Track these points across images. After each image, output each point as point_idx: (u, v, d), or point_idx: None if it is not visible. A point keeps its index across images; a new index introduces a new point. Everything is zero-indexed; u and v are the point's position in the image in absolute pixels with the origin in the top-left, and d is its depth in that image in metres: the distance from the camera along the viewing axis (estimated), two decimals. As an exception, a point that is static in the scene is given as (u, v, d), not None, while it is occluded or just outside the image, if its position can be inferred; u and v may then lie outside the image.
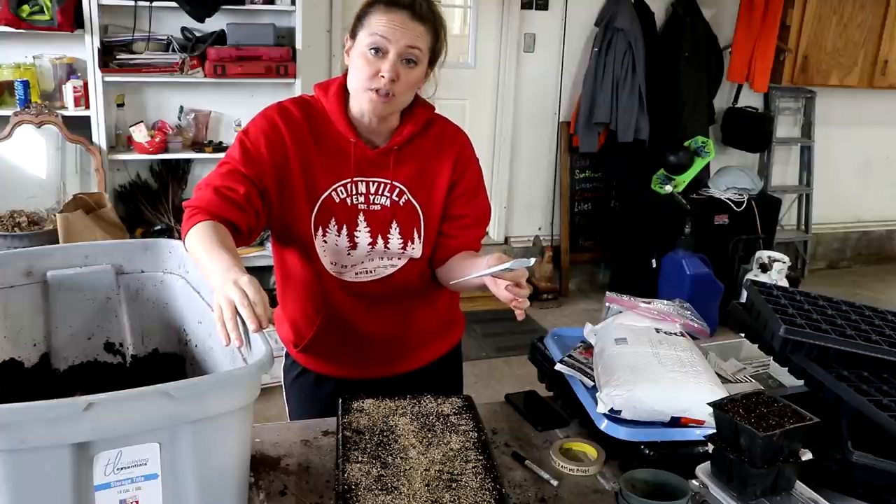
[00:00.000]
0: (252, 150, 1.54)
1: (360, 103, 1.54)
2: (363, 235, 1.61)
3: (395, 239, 1.63)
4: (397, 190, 1.62)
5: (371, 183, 1.61)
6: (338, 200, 1.59)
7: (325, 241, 1.61)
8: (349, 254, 1.63)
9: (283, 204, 1.58)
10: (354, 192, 1.60)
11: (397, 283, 1.67)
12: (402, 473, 1.34)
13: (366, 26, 1.51)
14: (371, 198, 1.61)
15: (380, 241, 1.62)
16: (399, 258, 1.66)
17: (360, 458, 1.37)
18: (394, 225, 1.63)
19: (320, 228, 1.60)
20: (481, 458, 1.40)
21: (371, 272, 1.65)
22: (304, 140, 1.57)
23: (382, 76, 1.49)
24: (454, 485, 1.32)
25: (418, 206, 1.64)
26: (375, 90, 1.50)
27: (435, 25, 1.54)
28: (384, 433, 1.46)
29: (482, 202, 1.72)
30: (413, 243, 1.64)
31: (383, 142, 1.61)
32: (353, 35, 1.54)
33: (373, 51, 1.49)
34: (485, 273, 1.45)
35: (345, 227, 1.60)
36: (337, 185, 1.59)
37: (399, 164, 1.61)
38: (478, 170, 1.72)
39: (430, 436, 1.46)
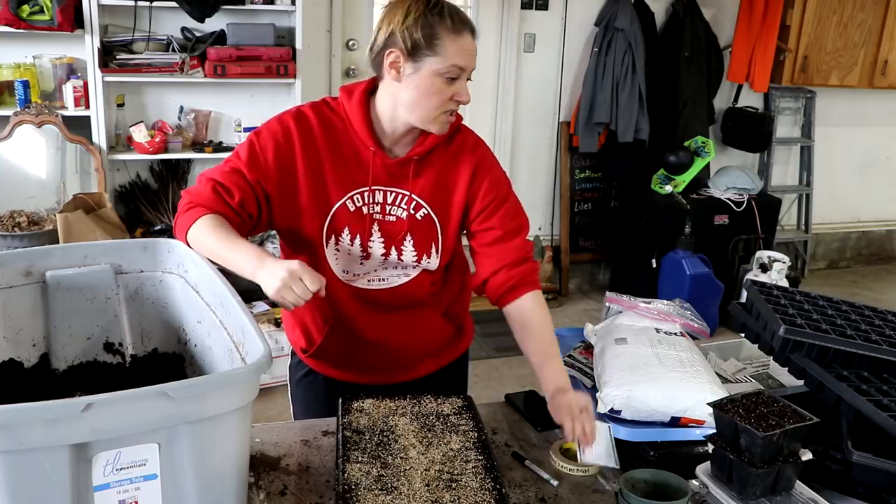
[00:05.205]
0: (259, 154, 1.53)
1: (429, 127, 1.52)
2: (377, 246, 1.59)
3: (408, 252, 1.60)
4: (415, 203, 1.59)
5: (389, 193, 1.58)
6: (352, 209, 1.57)
7: (338, 250, 1.59)
8: (362, 263, 1.61)
9: (288, 210, 1.56)
10: (371, 201, 1.57)
11: (409, 292, 1.65)
12: (402, 473, 1.34)
13: (440, 52, 1.45)
14: (388, 208, 1.58)
15: (393, 252, 1.60)
16: (413, 268, 1.63)
17: (360, 458, 1.38)
18: (408, 238, 1.60)
19: (333, 237, 1.58)
20: (481, 458, 1.40)
21: (383, 280, 1.63)
22: (317, 150, 1.55)
23: (458, 100, 1.50)
24: (454, 485, 1.33)
25: (437, 219, 1.61)
26: (450, 113, 1.52)
27: None
28: (384, 433, 1.46)
29: (511, 211, 1.64)
30: (429, 257, 1.62)
31: (403, 151, 1.58)
32: (415, 56, 1.46)
33: (449, 77, 1.48)
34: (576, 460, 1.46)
35: (358, 236, 1.58)
36: (353, 193, 1.56)
37: (418, 175, 1.58)
38: (498, 179, 1.64)
39: (430, 436, 1.46)
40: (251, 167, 1.52)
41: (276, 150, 1.53)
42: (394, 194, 1.58)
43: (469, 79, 1.52)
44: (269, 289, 1.36)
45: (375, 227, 1.59)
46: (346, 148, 1.56)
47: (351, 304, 1.64)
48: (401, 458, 1.39)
